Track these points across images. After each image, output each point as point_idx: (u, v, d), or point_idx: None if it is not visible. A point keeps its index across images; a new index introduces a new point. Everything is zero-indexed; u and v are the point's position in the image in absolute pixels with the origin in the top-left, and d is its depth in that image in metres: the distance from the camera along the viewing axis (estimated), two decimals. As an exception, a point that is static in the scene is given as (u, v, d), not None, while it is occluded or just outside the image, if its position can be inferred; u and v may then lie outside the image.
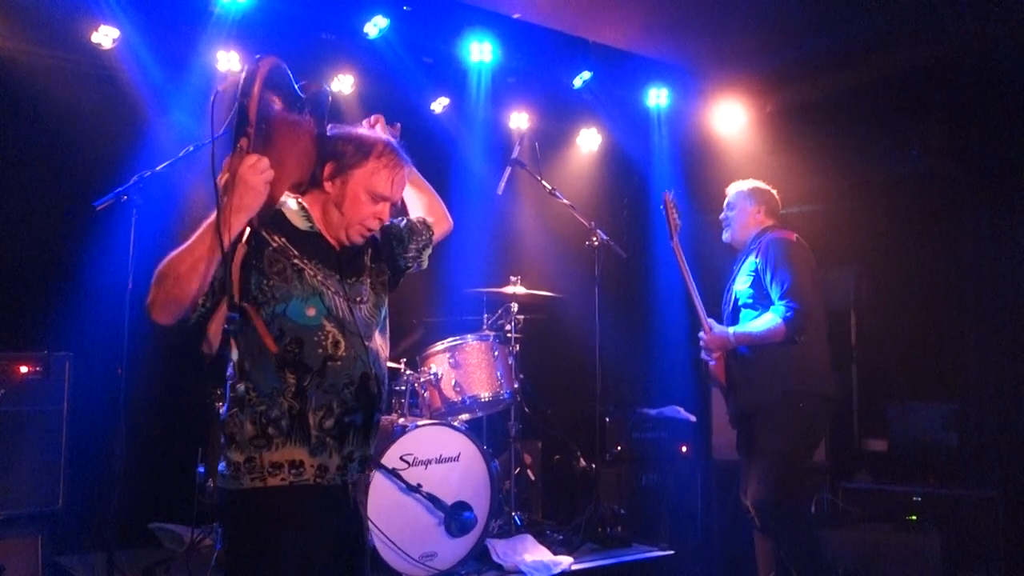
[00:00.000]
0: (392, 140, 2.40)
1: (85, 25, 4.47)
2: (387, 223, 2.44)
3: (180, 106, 4.67)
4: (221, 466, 2.18)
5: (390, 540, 3.88)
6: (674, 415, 5.64)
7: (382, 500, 3.92)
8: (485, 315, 4.96)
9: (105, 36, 4.48)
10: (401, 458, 4.01)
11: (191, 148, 3.84)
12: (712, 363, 4.13)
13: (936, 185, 5.56)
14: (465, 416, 4.64)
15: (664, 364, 5.95)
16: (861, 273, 5.84)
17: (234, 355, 2.16)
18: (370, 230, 2.33)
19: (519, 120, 5.92)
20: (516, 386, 4.72)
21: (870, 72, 5.31)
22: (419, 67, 5.21)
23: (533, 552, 4.33)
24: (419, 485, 4.00)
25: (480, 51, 5.27)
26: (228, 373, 2.21)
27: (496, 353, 4.63)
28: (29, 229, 4.56)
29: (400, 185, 2.37)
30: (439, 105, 5.58)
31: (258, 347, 2.12)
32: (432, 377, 4.52)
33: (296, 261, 2.22)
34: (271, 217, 2.20)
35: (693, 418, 5.65)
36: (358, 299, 2.32)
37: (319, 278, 2.24)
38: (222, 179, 2.03)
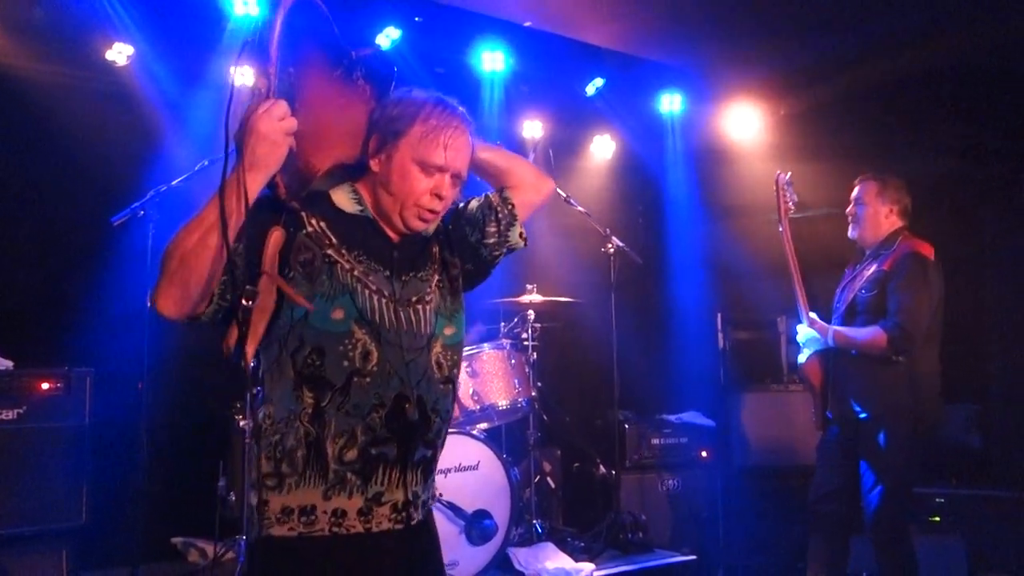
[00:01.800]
0: (446, 98, 2.00)
1: (99, 43, 4.53)
2: (456, 204, 2.05)
3: (195, 121, 4.71)
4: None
5: (411, 550, 3.87)
6: (693, 420, 5.62)
7: (402, 510, 3.92)
8: (502, 323, 4.96)
9: (119, 53, 4.53)
10: (421, 468, 4.01)
11: (206, 162, 3.88)
12: (803, 360, 4.00)
13: (954, 186, 5.52)
14: (483, 425, 4.63)
15: (682, 369, 5.93)
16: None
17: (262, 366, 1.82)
18: (431, 212, 1.90)
19: (533, 128, 5.93)
20: (534, 394, 4.72)
21: (885, 73, 5.28)
22: (432, 78, 5.22)
23: (555, 559, 4.32)
24: (439, 494, 4.00)
25: (492, 60, 5.29)
26: (258, 393, 1.86)
27: (513, 361, 4.63)
28: (48, 246, 4.62)
29: (458, 151, 1.92)
30: (452, 115, 5.59)
31: (276, 359, 1.79)
32: (450, 386, 4.52)
33: (330, 252, 1.82)
34: (313, 197, 1.85)
35: (713, 423, 5.63)
36: (414, 299, 1.91)
37: (357, 272, 1.84)
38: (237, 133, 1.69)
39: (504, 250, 2.14)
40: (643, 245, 6.20)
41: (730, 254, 5.94)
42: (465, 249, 2.08)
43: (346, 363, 1.79)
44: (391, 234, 1.93)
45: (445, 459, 4.08)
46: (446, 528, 4.02)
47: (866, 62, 5.31)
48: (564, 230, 5.87)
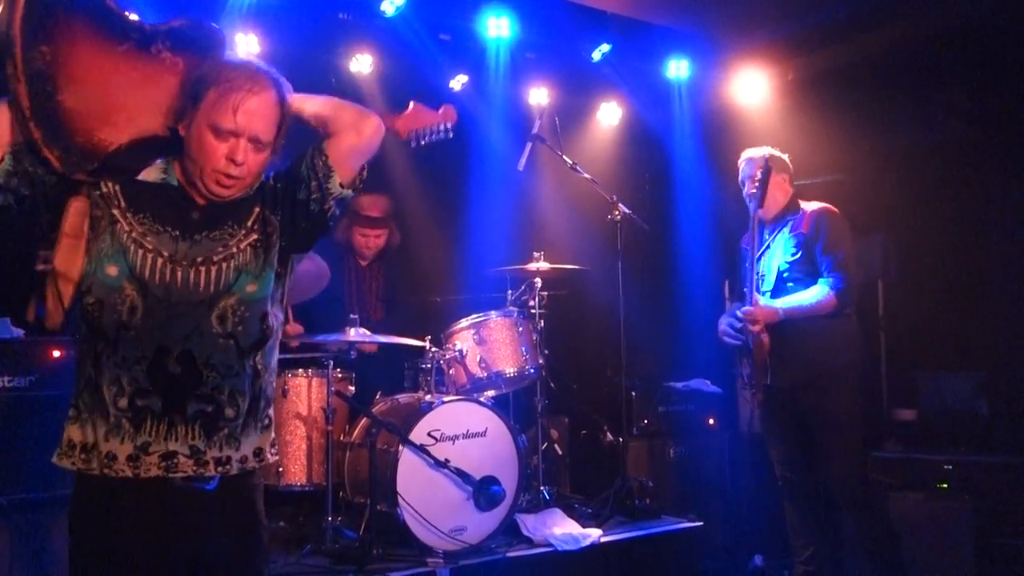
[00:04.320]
0: (251, 61, 2.06)
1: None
2: (286, 163, 2.11)
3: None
4: None
5: (420, 515, 3.91)
6: (700, 387, 5.63)
7: (411, 475, 3.95)
8: (509, 291, 4.97)
9: (124, 20, 4.50)
10: (428, 434, 4.03)
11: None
12: (755, 337, 4.03)
13: (962, 151, 5.48)
14: (491, 392, 4.65)
15: (689, 337, 5.93)
16: (888, 242, 5.78)
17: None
18: (229, 177, 1.96)
19: (539, 95, 5.89)
20: (541, 361, 4.73)
21: (894, 37, 5.22)
22: (437, 44, 5.19)
23: (562, 525, 4.35)
24: (447, 460, 4.03)
25: (497, 26, 5.25)
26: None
27: (520, 329, 4.63)
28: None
29: (252, 114, 1.94)
30: (458, 83, 5.56)
31: (79, 304, 1.94)
32: (457, 354, 4.54)
33: (115, 212, 1.95)
34: (116, 167, 1.94)
35: (720, 390, 5.64)
36: (200, 259, 1.99)
37: (135, 233, 1.95)
38: None
39: (332, 202, 2.13)
40: (650, 212, 6.19)
41: (738, 221, 5.91)
42: (297, 206, 2.11)
43: (115, 316, 1.91)
44: (197, 198, 2.02)
45: (453, 426, 4.11)
46: (455, 494, 4.06)
47: (875, 25, 5.25)
48: (571, 197, 5.85)
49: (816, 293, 3.98)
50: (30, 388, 3.74)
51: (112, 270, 1.92)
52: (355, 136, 2.12)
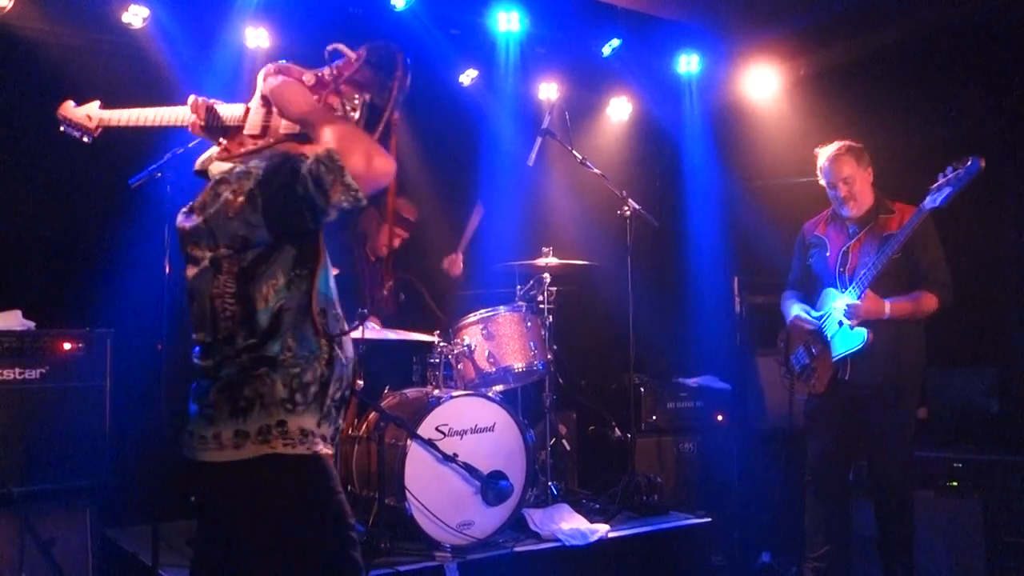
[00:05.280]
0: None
1: (115, 5, 4.51)
2: None
3: (211, 83, 4.70)
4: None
5: (427, 509, 3.92)
6: (709, 384, 5.62)
7: (419, 470, 3.96)
8: (518, 286, 4.97)
9: (135, 16, 4.52)
10: (436, 428, 4.04)
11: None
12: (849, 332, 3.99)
13: (974, 147, 5.41)
14: (499, 387, 4.65)
15: (698, 333, 5.92)
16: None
17: (271, 301, 2.06)
18: None
19: (548, 90, 5.88)
20: (550, 357, 4.72)
21: (906, 32, 5.19)
22: (447, 39, 5.19)
23: (570, 520, 4.36)
24: (455, 455, 4.03)
25: (508, 21, 5.24)
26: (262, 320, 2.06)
27: (529, 324, 4.63)
28: (67, 208, 4.65)
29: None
30: (467, 77, 5.56)
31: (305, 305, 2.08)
32: (465, 349, 4.54)
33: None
34: None
35: (728, 387, 5.63)
36: None
37: None
38: None
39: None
40: (660, 208, 6.19)
41: (748, 217, 5.90)
42: None
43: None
44: None
45: (461, 420, 4.12)
46: (463, 489, 4.06)
47: (887, 20, 5.21)
48: (580, 193, 5.85)
49: (922, 297, 3.95)
50: (41, 380, 3.76)
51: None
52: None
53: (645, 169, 6.57)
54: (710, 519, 4.66)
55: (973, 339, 5.38)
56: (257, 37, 4.75)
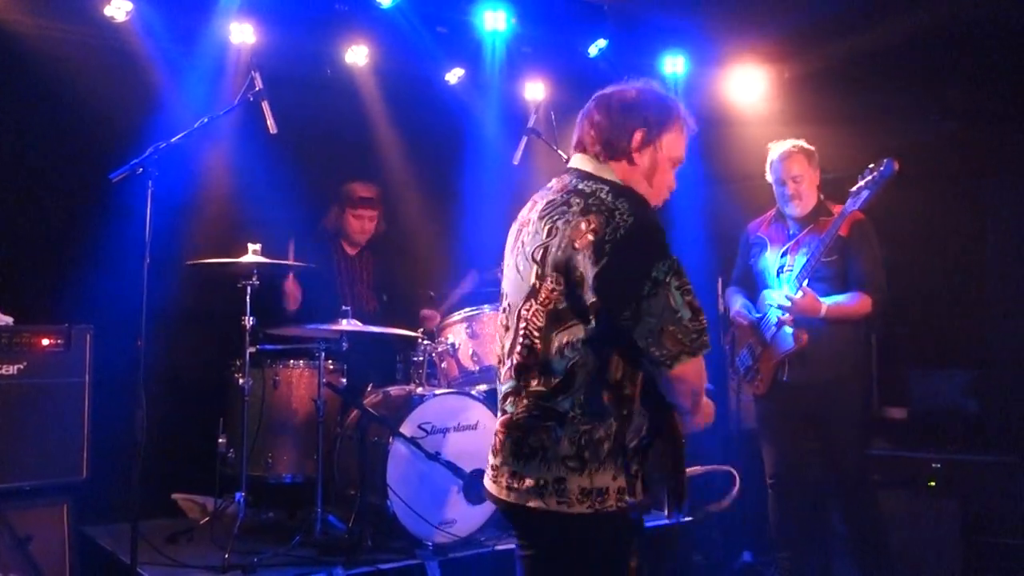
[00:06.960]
0: None
1: (98, -1, 4.48)
2: None
3: (194, 78, 4.67)
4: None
5: (410, 507, 3.91)
6: (691, 384, 5.62)
7: (402, 468, 3.96)
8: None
9: (118, 9, 4.47)
10: (419, 427, 4.04)
11: (205, 120, 3.86)
12: (781, 331, 4.02)
13: (957, 150, 5.48)
14: (483, 386, 4.64)
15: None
16: (881, 239, 5.78)
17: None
18: None
19: (534, 90, 5.87)
20: (533, 356, 4.71)
21: (890, 35, 5.22)
22: (433, 37, 5.17)
23: (552, 520, 4.35)
24: (438, 453, 4.03)
25: (494, 20, 5.22)
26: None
27: (513, 323, 4.62)
28: (47, 203, 4.62)
29: None
30: (454, 76, 5.54)
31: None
32: (449, 347, 4.54)
33: None
34: None
35: (712, 387, 5.62)
36: None
37: None
38: None
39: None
40: (644, 208, 6.17)
41: (731, 219, 5.90)
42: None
43: None
44: None
45: (444, 419, 4.11)
46: (445, 487, 4.07)
47: (871, 24, 5.24)
48: (565, 192, 5.83)
49: (857, 299, 3.98)
50: (19, 376, 3.73)
51: None
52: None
53: (630, 169, 6.56)
54: (692, 517, 4.67)
55: (953, 341, 5.42)
56: (242, 32, 4.71)
